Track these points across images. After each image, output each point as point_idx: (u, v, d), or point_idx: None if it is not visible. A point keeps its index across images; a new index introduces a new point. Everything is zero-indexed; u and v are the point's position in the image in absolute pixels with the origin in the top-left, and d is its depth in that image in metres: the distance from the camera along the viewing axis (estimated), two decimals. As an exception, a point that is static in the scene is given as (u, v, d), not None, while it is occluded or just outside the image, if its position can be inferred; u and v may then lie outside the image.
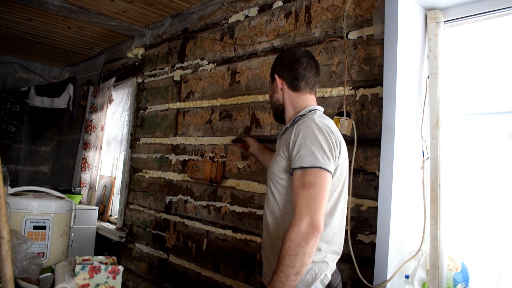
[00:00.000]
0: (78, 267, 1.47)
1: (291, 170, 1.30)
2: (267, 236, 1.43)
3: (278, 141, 1.57)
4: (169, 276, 2.83)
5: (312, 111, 1.44)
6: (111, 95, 3.85)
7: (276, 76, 1.51)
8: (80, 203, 3.76)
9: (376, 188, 1.72)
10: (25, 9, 3.16)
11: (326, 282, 1.31)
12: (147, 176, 3.23)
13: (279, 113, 1.56)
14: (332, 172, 1.28)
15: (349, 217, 1.75)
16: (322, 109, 1.50)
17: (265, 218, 1.45)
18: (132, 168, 3.44)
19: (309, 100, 1.50)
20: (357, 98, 1.86)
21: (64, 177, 4.64)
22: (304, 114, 1.43)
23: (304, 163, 1.25)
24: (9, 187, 1.74)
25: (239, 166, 2.41)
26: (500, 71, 1.67)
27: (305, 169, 1.25)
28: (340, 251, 1.41)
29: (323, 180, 1.24)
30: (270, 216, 1.41)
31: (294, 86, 1.48)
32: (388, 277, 1.59)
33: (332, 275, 1.34)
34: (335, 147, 1.31)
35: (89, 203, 3.88)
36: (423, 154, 1.75)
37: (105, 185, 3.89)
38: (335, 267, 1.39)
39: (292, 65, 1.47)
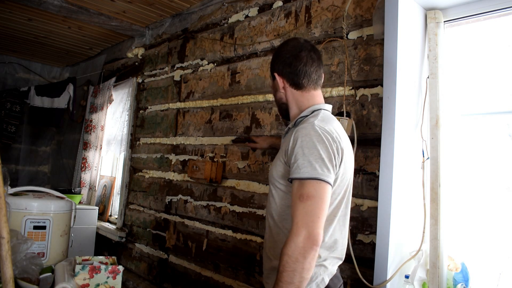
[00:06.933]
0: (78, 267, 1.47)
1: (290, 179, 1.24)
2: (269, 237, 1.40)
3: (282, 140, 1.50)
4: (169, 276, 2.83)
5: (316, 112, 1.35)
6: (111, 95, 3.85)
7: (276, 75, 1.41)
8: (80, 203, 3.76)
9: (376, 188, 1.72)
10: (25, 9, 3.16)
11: (323, 286, 1.27)
12: (147, 176, 3.23)
13: (284, 112, 1.48)
14: (332, 183, 1.22)
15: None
16: (329, 106, 1.41)
17: (267, 219, 1.42)
18: (132, 168, 3.44)
19: (314, 97, 1.40)
20: (357, 98, 1.86)
21: (64, 177, 4.64)
22: (307, 116, 1.36)
23: (301, 174, 1.19)
24: (9, 187, 1.74)
25: (239, 166, 2.41)
26: (500, 71, 1.67)
27: (303, 180, 1.19)
28: (343, 256, 1.36)
29: (322, 192, 1.18)
30: (270, 219, 1.38)
31: (297, 84, 1.38)
32: (388, 277, 1.59)
33: (331, 279, 1.29)
34: (336, 156, 1.24)
35: (89, 203, 3.88)
36: (423, 154, 1.75)
37: (105, 185, 3.89)
38: (336, 271, 1.34)
39: (291, 62, 1.37)
